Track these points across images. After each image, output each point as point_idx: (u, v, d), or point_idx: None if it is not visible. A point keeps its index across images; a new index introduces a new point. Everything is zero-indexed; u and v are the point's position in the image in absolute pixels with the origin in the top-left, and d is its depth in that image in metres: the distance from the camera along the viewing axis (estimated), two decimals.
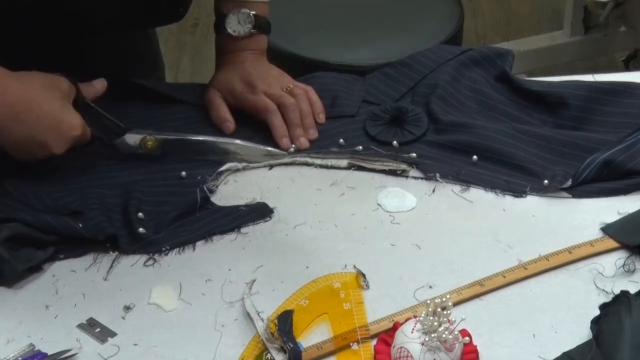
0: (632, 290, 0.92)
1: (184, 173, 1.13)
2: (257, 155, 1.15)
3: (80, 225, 1.03)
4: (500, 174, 1.11)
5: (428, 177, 1.12)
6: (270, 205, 1.08)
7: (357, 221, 1.06)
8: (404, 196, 1.09)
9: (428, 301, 0.87)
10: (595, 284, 0.97)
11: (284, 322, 0.92)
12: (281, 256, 1.02)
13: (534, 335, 0.91)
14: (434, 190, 1.10)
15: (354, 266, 0.99)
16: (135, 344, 0.92)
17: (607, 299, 0.92)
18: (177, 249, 1.03)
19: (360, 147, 1.16)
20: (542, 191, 1.09)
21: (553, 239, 1.02)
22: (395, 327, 0.89)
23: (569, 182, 1.09)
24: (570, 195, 1.08)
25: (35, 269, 1.00)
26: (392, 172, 1.13)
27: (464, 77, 1.25)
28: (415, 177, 1.12)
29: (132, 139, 1.14)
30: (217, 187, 1.12)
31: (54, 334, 0.93)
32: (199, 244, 1.04)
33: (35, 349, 0.91)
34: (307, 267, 1.00)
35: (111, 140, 1.14)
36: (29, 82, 1.04)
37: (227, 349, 0.91)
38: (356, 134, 1.18)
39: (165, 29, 2.52)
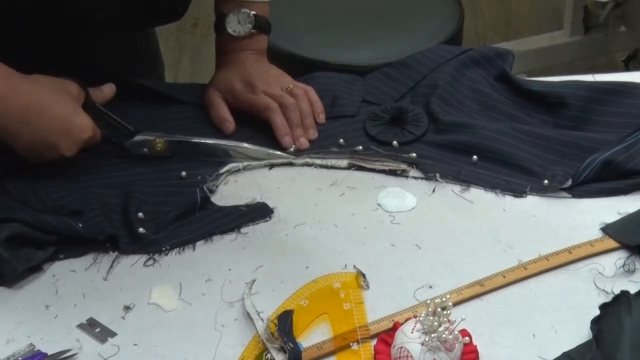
0: (632, 290, 0.92)
1: (184, 173, 1.13)
2: (262, 155, 1.15)
3: (80, 225, 1.03)
4: (500, 174, 1.11)
5: (428, 177, 1.12)
6: (270, 205, 1.08)
7: (357, 221, 1.06)
8: (404, 196, 1.09)
9: (428, 301, 0.87)
10: (595, 284, 0.97)
11: (284, 322, 0.92)
12: (281, 256, 1.02)
13: (534, 335, 0.91)
14: (434, 190, 1.10)
15: (354, 266, 0.99)
16: (135, 344, 0.92)
17: (607, 299, 0.92)
18: (177, 249, 1.03)
19: (360, 147, 1.16)
20: (542, 191, 1.09)
21: (553, 239, 1.02)
22: (395, 327, 0.89)
23: (569, 182, 1.09)
24: (570, 195, 1.08)
25: (35, 269, 1.00)
26: (392, 172, 1.13)
27: (464, 77, 1.25)
28: (415, 177, 1.12)
29: (142, 141, 1.14)
30: (217, 187, 1.12)
31: (54, 334, 0.93)
32: (199, 244, 1.04)
33: (35, 349, 0.91)
34: (307, 267, 1.00)
35: (121, 142, 1.14)
36: (40, 86, 1.06)
37: (227, 349, 0.91)
38: (356, 134, 1.18)
39: (165, 29, 2.53)
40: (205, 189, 1.09)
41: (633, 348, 0.85)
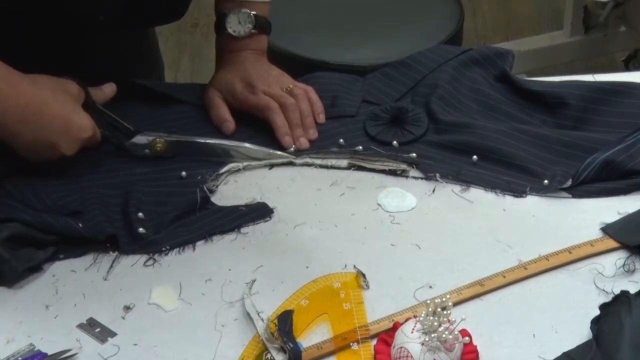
0: (632, 290, 0.92)
1: (184, 173, 1.13)
2: (262, 154, 1.15)
3: (80, 225, 1.03)
4: (500, 174, 1.11)
5: (428, 177, 1.12)
6: (270, 205, 1.08)
7: (357, 221, 1.06)
8: (404, 196, 1.09)
9: (428, 301, 0.87)
10: (595, 284, 0.97)
11: (284, 322, 0.92)
12: (281, 256, 1.02)
13: (534, 335, 0.91)
14: (434, 190, 1.10)
15: (354, 266, 0.99)
16: (135, 344, 0.92)
17: (607, 299, 0.92)
18: (177, 249, 1.03)
19: (360, 147, 1.16)
20: (542, 191, 1.09)
21: (553, 239, 1.02)
22: (395, 327, 0.89)
23: (569, 182, 1.09)
24: (570, 195, 1.08)
25: (35, 269, 1.00)
26: (392, 172, 1.13)
27: (464, 77, 1.25)
28: (415, 177, 1.12)
29: (142, 140, 1.15)
30: (217, 187, 1.12)
31: (54, 334, 0.93)
32: (199, 244, 1.04)
33: (35, 349, 0.91)
34: (307, 267, 1.00)
35: (121, 142, 1.14)
36: (40, 85, 1.06)
37: (227, 349, 0.91)
38: (356, 134, 1.18)
39: (165, 29, 2.53)
40: (205, 189, 1.09)
41: (633, 348, 0.85)
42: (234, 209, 1.08)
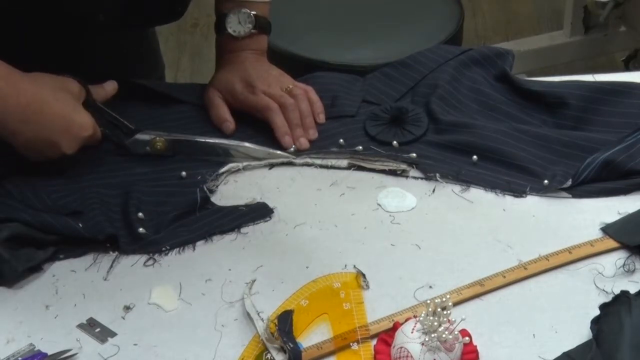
0: (632, 290, 0.92)
1: (184, 173, 1.13)
2: (262, 154, 1.15)
3: (80, 225, 1.03)
4: (500, 174, 1.11)
5: (428, 177, 1.12)
6: (270, 205, 1.08)
7: (357, 221, 1.06)
8: (404, 196, 1.09)
9: (428, 301, 0.87)
10: (595, 284, 0.97)
11: (284, 322, 0.92)
12: (281, 256, 1.02)
13: (534, 335, 0.91)
14: (434, 190, 1.10)
15: (354, 266, 0.99)
16: (135, 344, 0.92)
17: (607, 299, 0.92)
18: (177, 249, 1.03)
19: (360, 147, 1.16)
20: (542, 191, 1.09)
21: (553, 239, 1.02)
22: (395, 327, 0.89)
23: (569, 182, 1.09)
24: (570, 195, 1.08)
25: (35, 269, 1.00)
26: (392, 172, 1.13)
27: (464, 77, 1.25)
28: (415, 177, 1.12)
29: (142, 139, 1.15)
30: (217, 187, 1.12)
31: (54, 334, 0.93)
32: (199, 244, 1.04)
33: (35, 349, 0.91)
34: (307, 267, 1.00)
35: (121, 140, 1.14)
36: (41, 84, 1.06)
37: (227, 349, 0.91)
38: (356, 134, 1.18)
39: (165, 29, 2.53)
40: (205, 189, 1.09)
41: (633, 348, 0.85)
42: (234, 209, 1.08)
